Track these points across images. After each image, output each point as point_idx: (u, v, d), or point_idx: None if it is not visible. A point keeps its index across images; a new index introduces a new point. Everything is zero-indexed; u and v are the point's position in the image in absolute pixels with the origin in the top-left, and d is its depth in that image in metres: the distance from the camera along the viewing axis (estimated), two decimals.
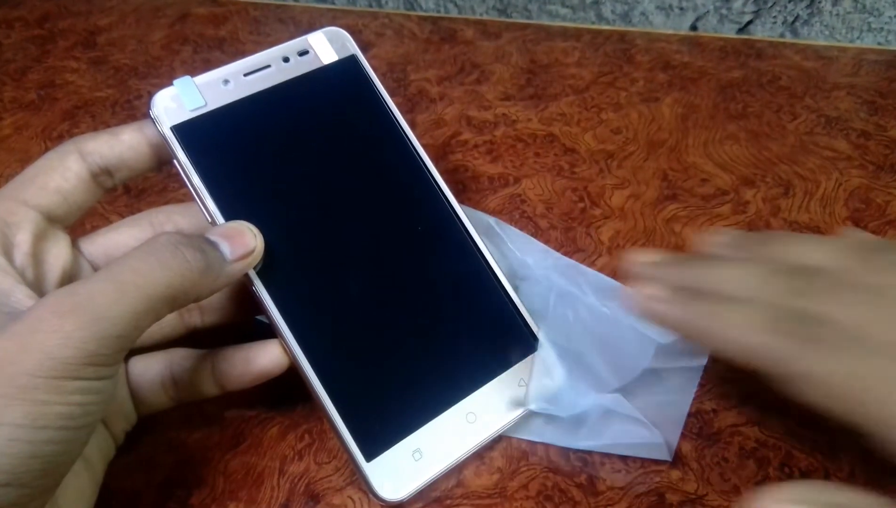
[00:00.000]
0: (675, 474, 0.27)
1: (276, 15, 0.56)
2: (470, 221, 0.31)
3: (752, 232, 0.33)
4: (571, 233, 0.37)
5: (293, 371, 0.27)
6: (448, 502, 0.27)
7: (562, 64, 0.49)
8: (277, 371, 0.27)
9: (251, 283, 0.26)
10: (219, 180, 0.27)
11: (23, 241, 0.25)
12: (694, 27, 0.51)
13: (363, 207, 0.29)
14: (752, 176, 0.39)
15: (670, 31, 0.51)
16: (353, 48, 0.31)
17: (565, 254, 0.35)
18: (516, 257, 0.34)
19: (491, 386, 0.28)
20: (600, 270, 0.34)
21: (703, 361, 0.30)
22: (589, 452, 0.28)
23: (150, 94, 0.27)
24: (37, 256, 0.25)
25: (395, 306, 0.28)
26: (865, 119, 0.42)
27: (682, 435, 0.28)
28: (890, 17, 0.47)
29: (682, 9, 0.51)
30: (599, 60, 0.49)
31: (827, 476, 0.27)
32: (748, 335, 0.23)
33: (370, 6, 0.57)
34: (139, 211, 0.30)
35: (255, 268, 0.26)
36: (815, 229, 0.36)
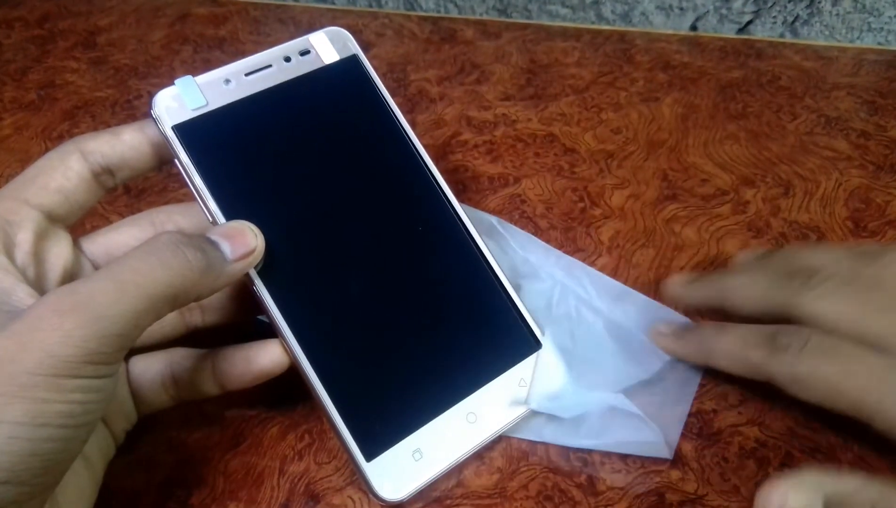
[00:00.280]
0: (675, 474, 0.27)
1: (276, 15, 0.56)
2: (471, 221, 0.31)
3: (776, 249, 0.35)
4: (571, 233, 0.37)
5: (293, 370, 0.27)
6: (448, 502, 0.27)
7: (562, 64, 0.49)
8: (278, 370, 0.27)
9: (252, 283, 0.26)
10: (220, 180, 0.27)
11: (24, 240, 0.25)
12: (694, 27, 0.51)
13: (364, 207, 0.29)
14: (752, 176, 0.39)
15: (670, 31, 0.52)
16: (355, 48, 0.31)
17: (565, 254, 0.35)
18: (519, 255, 0.34)
19: (491, 386, 0.28)
20: (600, 270, 0.34)
21: None
22: (589, 451, 0.28)
23: (151, 94, 0.27)
24: (38, 255, 0.25)
25: (395, 306, 0.28)
26: (865, 119, 0.42)
27: (683, 435, 0.28)
28: (890, 17, 0.47)
29: (682, 9, 0.51)
30: (599, 60, 0.49)
31: None
32: (743, 353, 0.27)
33: (370, 6, 0.57)
34: (139, 211, 0.30)
35: (255, 268, 0.26)
36: (815, 229, 0.36)
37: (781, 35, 0.50)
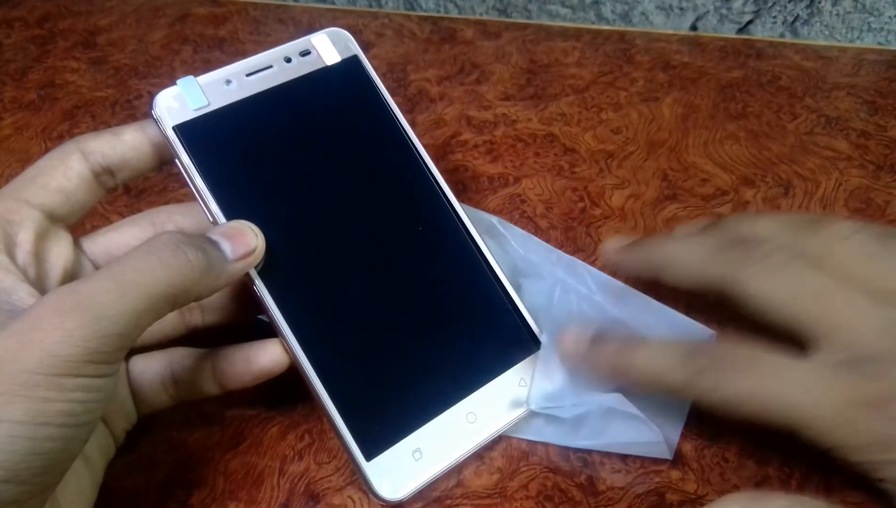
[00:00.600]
0: (675, 474, 0.27)
1: (276, 15, 0.56)
2: (472, 221, 0.31)
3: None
4: (571, 233, 0.37)
5: (293, 370, 0.27)
6: (448, 502, 0.27)
7: (562, 64, 0.49)
8: (278, 370, 0.27)
9: (252, 283, 0.26)
10: (220, 180, 0.27)
11: (25, 240, 0.25)
12: (694, 27, 0.51)
13: (364, 207, 0.29)
14: (752, 176, 0.39)
15: (670, 31, 0.52)
16: (356, 48, 0.31)
17: (566, 253, 0.35)
18: (519, 254, 0.34)
19: (491, 386, 0.28)
20: (600, 271, 0.34)
21: None
22: (589, 451, 0.28)
23: (152, 94, 0.27)
24: (39, 255, 0.25)
25: (395, 306, 0.28)
26: (865, 119, 0.42)
27: (683, 435, 0.28)
28: (890, 17, 0.47)
29: (682, 9, 0.51)
30: (599, 60, 0.49)
31: (827, 476, 0.27)
32: (659, 378, 0.26)
33: (370, 6, 0.57)
34: (139, 210, 0.30)
35: (256, 268, 0.26)
36: None
37: (781, 35, 0.50)
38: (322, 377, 0.26)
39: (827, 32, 0.49)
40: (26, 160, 0.44)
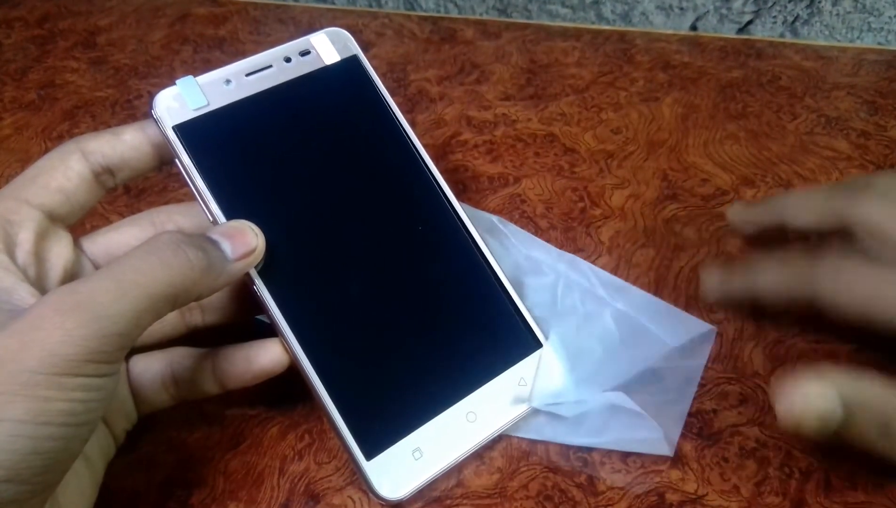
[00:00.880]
0: (675, 474, 0.27)
1: (276, 15, 0.56)
2: (472, 220, 0.31)
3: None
4: (571, 232, 0.37)
5: (293, 370, 0.27)
6: (448, 502, 0.27)
7: (562, 64, 0.49)
8: (278, 369, 0.27)
9: (252, 283, 0.26)
10: (220, 180, 0.27)
11: (25, 240, 0.25)
12: (694, 27, 0.51)
13: (364, 207, 0.29)
14: (751, 176, 0.39)
15: (670, 31, 0.52)
16: (355, 48, 0.31)
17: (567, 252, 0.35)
18: (521, 252, 0.34)
19: (491, 386, 0.28)
20: (601, 268, 0.34)
21: (703, 360, 0.30)
22: (589, 451, 0.28)
23: (151, 94, 0.27)
24: (39, 255, 0.25)
25: (395, 305, 0.28)
26: (865, 119, 0.42)
27: (683, 435, 0.28)
28: (890, 17, 0.47)
29: (682, 9, 0.51)
30: (599, 60, 0.49)
31: (827, 476, 0.27)
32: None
33: (370, 6, 0.57)
34: (139, 210, 0.30)
35: (256, 268, 0.26)
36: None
37: (781, 35, 0.50)
38: (322, 376, 0.26)
39: (827, 32, 0.49)
40: (26, 160, 0.44)
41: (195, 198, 0.27)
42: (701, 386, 0.30)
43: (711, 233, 0.36)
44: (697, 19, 0.51)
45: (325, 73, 0.30)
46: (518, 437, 0.29)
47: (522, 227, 0.37)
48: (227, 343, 0.28)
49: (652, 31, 0.52)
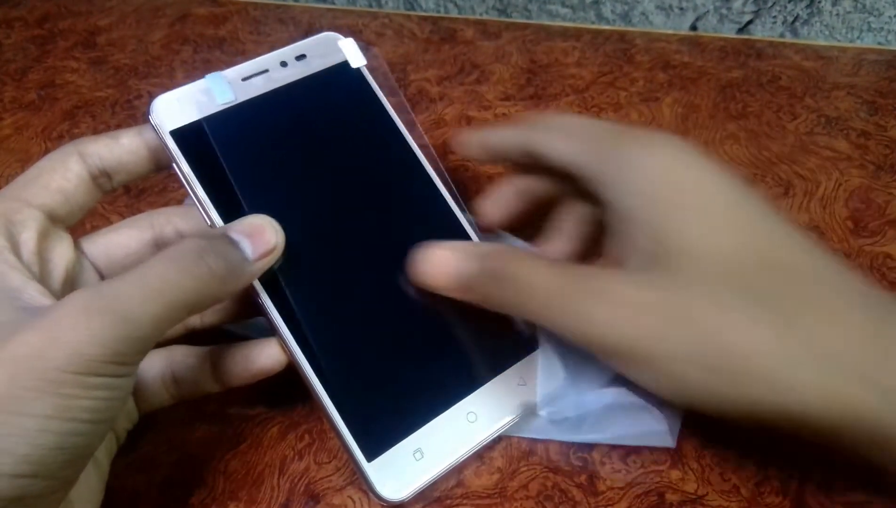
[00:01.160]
0: (675, 474, 0.27)
1: (276, 15, 0.56)
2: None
3: None
4: None
5: (294, 371, 0.27)
6: (448, 502, 0.27)
7: (562, 64, 0.49)
8: (278, 367, 0.27)
9: (251, 285, 0.26)
10: (218, 184, 0.27)
11: (29, 239, 0.25)
12: (694, 27, 0.51)
13: (362, 208, 0.29)
14: (751, 176, 0.39)
15: (670, 31, 0.52)
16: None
17: None
18: None
19: (491, 386, 0.28)
20: None
21: None
22: (590, 451, 0.28)
23: (150, 97, 0.27)
24: (42, 255, 0.25)
25: (395, 307, 0.28)
26: (865, 119, 0.42)
27: (682, 435, 0.28)
28: (890, 17, 0.47)
29: (682, 9, 0.51)
30: (599, 60, 0.49)
31: (827, 476, 0.27)
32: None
33: (370, 6, 0.57)
34: (139, 211, 0.30)
35: None
36: (815, 229, 0.36)
37: (781, 35, 0.50)
38: (322, 379, 0.26)
39: (827, 32, 0.49)
40: (26, 160, 0.44)
41: (193, 202, 0.27)
42: None
43: None
44: (697, 19, 0.51)
45: (322, 76, 0.30)
46: (519, 437, 0.29)
47: (522, 228, 0.37)
48: (220, 342, 0.28)
49: (652, 31, 0.52)
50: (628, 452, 0.28)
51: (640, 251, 0.24)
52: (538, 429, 0.29)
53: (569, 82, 0.47)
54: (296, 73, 0.30)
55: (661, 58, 0.49)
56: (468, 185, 0.40)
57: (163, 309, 0.22)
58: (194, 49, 0.53)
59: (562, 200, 0.31)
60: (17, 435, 0.20)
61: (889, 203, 0.37)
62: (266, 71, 0.29)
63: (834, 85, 0.45)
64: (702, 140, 0.42)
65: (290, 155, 0.29)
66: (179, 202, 0.40)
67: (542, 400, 0.28)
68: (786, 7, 0.49)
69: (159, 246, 0.28)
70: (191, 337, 0.29)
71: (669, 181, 0.25)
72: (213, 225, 0.27)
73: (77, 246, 0.27)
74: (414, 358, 0.28)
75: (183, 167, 0.27)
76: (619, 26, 0.53)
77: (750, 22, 0.50)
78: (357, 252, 0.29)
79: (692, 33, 0.51)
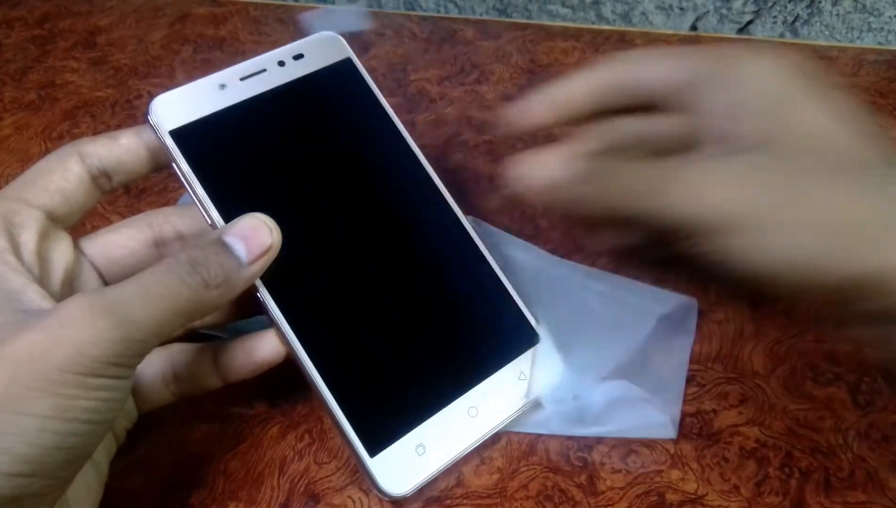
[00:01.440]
0: (675, 474, 0.27)
1: (276, 15, 0.56)
2: None
3: None
4: (572, 232, 0.37)
5: (296, 368, 0.27)
6: (448, 502, 0.27)
7: (562, 64, 0.49)
8: (279, 359, 0.27)
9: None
10: (217, 183, 0.27)
11: (29, 240, 0.25)
12: (694, 27, 0.51)
13: (362, 206, 0.29)
14: None
15: (670, 31, 0.51)
16: (348, 51, 0.31)
17: (564, 254, 0.35)
18: (498, 251, 0.34)
19: (492, 380, 0.28)
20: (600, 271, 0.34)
21: (691, 338, 0.31)
22: (590, 449, 0.28)
23: (150, 97, 0.27)
24: (41, 255, 0.25)
25: (396, 303, 0.29)
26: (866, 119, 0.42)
27: (683, 435, 0.28)
28: (890, 17, 0.47)
29: (682, 9, 0.51)
30: (600, 60, 0.49)
31: (827, 476, 0.27)
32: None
33: (370, 6, 0.57)
34: (139, 210, 0.30)
35: None
36: None
37: (781, 35, 0.50)
38: (324, 375, 0.26)
39: (827, 32, 0.49)
40: (26, 160, 0.44)
41: (193, 201, 0.27)
42: (701, 385, 0.30)
43: None
44: (697, 19, 0.51)
45: (319, 76, 0.30)
46: (519, 436, 0.29)
47: (522, 228, 0.37)
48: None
49: (652, 31, 0.52)
50: (628, 452, 0.28)
51: (745, 139, 0.24)
52: (539, 424, 0.29)
53: None
54: (294, 72, 0.30)
55: None
56: (468, 185, 0.40)
57: (163, 314, 0.22)
58: (194, 49, 0.53)
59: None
60: (15, 434, 0.20)
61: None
62: (264, 70, 0.29)
63: (834, 85, 0.45)
64: None
65: (288, 153, 0.29)
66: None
67: (544, 393, 0.28)
68: (786, 7, 0.49)
69: (158, 246, 0.28)
70: (191, 338, 0.29)
71: (777, 80, 0.25)
72: (213, 224, 0.27)
73: (76, 246, 0.28)
74: (415, 353, 0.28)
75: (182, 167, 0.27)
76: (620, 26, 0.53)
77: (750, 22, 0.50)
78: (357, 248, 0.29)
79: (692, 33, 0.51)
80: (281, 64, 0.30)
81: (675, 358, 0.30)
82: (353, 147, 0.30)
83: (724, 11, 0.50)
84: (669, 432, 0.28)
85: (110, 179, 0.27)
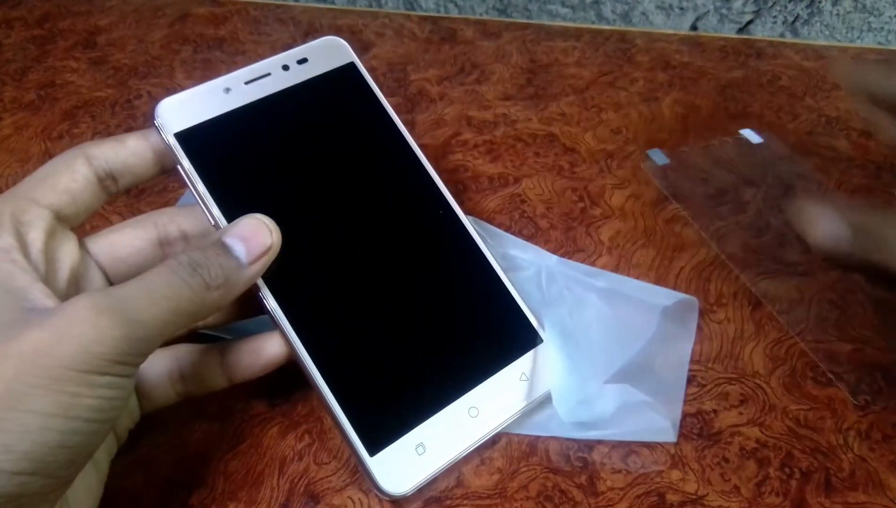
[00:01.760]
0: (675, 474, 0.27)
1: (276, 15, 0.56)
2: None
3: None
4: (571, 232, 0.37)
5: (297, 368, 0.27)
6: (448, 502, 0.27)
7: (562, 64, 0.49)
8: (285, 359, 0.27)
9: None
10: (221, 185, 0.28)
11: (36, 239, 0.25)
12: (694, 27, 0.51)
13: (364, 208, 0.30)
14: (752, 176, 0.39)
15: (670, 31, 0.52)
16: (352, 56, 0.31)
17: (564, 254, 0.35)
18: (497, 251, 0.35)
19: (493, 381, 0.28)
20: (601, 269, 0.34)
21: (691, 339, 0.31)
22: (591, 449, 0.28)
23: (150, 97, 0.27)
24: (48, 253, 0.25)
25: (397, 303, 0.29)
26: (866, 119, 0.42)
27: (683, 436, 0.28)
28: (890, 17, 0.47)
29: (682, 9, 0.51)
30: (599, 60, 0.49)
31: (827, 476, 0.27)
32: None
33: (370, 6, 0.57)
34: (139, 211, 0.30)
35: None
36: None
37: (782, 35, 0.50)
38: (325, 375, 0.26)
39: (827, 32, 0.49)
40: (26, 160, 0.44)
41: (197, 203, 0.28)
42: (701, 385, 0.30)
43: (711, 233, 0.36)
44: (697, 19, 0.51)
45: (323, 80, 0.30)
46: (520, 437, 0.29)
47: (522, 228, 0.37)
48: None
49: (652, 30, 0.52)
50: (628, 452, 0.28)
51: None
52: (540, 426, 0.29)
53: (569, 82, 0.47)
54: (297, 76, 0.30)
55: (661, 58, 0.49)
56: (468, 185, 0.40)
57: (167, 314, 0.23)
58: (194, 49, 0.53)
59: None
60: (18, 432, 0.20)
61: (890, 203, 0.37)
62: (268, 74, 0.30)
63: (834, 85, 0.45)
64: (702, 140, 0.42)
65: (291, 156, 0.29)
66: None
67: (545, 395, 0.28)
68: (786, 7, 0.49)
69: (163, 245, 0.28)
70: (194, 339, 0.29)
71: None
72: (216, 224, 0.27)
73: (82, 245, 0.28)
74: (416, 353, 0.28)
75: (187, 169, 0.27)
76: (620, 26, 0.53)
77: (750, 22, 0.50)
78: (358, 249, 0.29)
79: (692, 33, 0.51)
80: (285, 68, 0.30)
81: (676, 359, 0.30)
82: (356, 150, 0.30)
83: (724, 11, 0.50)
84: (670, 436, 0.28)
85: (116, 182, 0.28)
